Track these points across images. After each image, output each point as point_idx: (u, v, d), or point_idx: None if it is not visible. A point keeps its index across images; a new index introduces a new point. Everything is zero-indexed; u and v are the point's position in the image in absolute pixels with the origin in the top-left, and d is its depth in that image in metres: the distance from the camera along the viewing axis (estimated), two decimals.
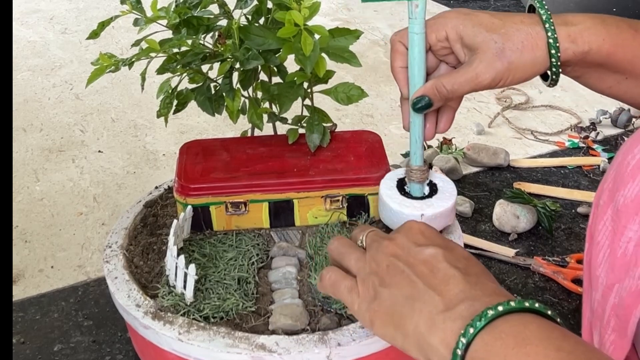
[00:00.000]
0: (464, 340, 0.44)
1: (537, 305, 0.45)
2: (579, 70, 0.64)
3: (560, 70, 0.62)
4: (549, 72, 0.63)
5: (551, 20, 0.60)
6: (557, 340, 0.42)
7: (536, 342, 0.42)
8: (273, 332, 0.65)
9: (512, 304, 0.45)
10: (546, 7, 0.61)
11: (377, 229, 0.59)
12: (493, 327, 0.44)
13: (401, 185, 0.74)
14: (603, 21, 0.61)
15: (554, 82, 0.63)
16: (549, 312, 0.45)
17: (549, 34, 0.60)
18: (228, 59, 0.76)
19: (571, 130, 1.46)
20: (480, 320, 0.44)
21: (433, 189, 0.74)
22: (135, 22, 0.77)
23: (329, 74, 0.79)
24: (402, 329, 0.49)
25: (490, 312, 0.44)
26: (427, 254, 0.52)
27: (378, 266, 0.53)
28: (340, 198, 0.78)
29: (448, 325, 0.46)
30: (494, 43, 0.60)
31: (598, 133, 1.42)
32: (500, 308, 0.44)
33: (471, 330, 0.44)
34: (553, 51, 0.60)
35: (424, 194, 0.73)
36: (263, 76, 0.82)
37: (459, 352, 0.44)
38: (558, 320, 0.45)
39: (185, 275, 0.67)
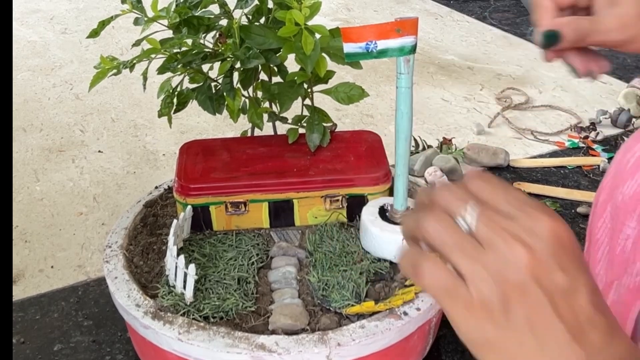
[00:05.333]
0: None
1: None
2: None
3: None
4: None
5: None
6: None
7: None
8: (273, 332, 0.65)
9: None
10: None
11: (485, 198, 0.39)
12: None
13: (383, 211, 0.75)
14: None
15: None
16: None
17: None
18: (228, 59, 0.76)
19: (571, 130, 1.46)
20: None
21: None
22: (136, 22, 0.77)
23: (330, 73, 0.79)
24: None
25: None
26: (566, 283, 0.37)
27: (509, 285, 0.37)
28: (340, 198, 0.78)
29: None
30: (637, 2, 0.56)
31: (598, 133, 1.42)
32: None
33: None
34: None
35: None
36: (263, 76, 0.82)
37: None
38: None
39: (185, 275, 0.67)
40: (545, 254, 0.36)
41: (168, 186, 0.87)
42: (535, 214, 0.37)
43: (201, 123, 1.54)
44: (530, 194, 1.18)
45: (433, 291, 0.39)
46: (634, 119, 1.46)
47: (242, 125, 0.91)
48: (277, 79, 0.81)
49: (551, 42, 0.59)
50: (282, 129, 0.85)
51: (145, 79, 0.77)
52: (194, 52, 0.75)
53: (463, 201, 0.38)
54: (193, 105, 0.83)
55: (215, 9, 0.79)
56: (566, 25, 0.57)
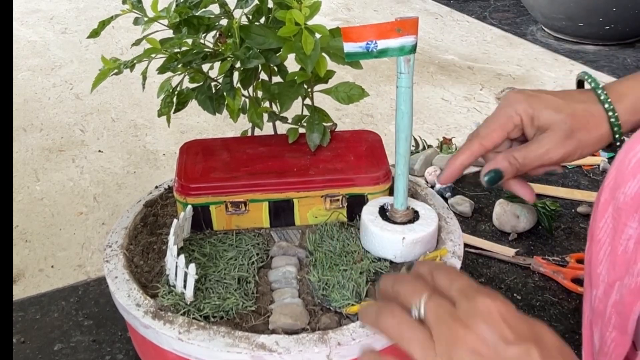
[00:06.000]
0: None
1: None
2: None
3: (623, 139, 0.65)
4: (612, 142, 0.66)
5: (609, 100, 0.64)
6: None
7: None
8: (273, 332, 0.65)
9: None
10: (600, 85, 0.65)
11: (437, 295, 0.45)
12: None
13: (383, 211, 0.75)
14: None
15: (618, 149, 0.66)
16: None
17: (610, 113, 0.64)
18: (229, 58, 0.76)
19: None
20: None
21: (415, 215, 0.75)
22: (136, 22, 0.77)
23: (330, 73, 0.79)
24: None
25: None
26: (518, 356, 0.41)
27: None
28: (340, 197, 0.78)
29: None
30: (564, 124, 0.63)
31: None
32: None
33: None
34: (616, 128, 0.64)
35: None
36: (263, 75, 0.82)
37: None
38: None
39: (186, 274, 0.67)
40: (486, 332, 0.41)
41: (168, 186, 0.87)
42: (474, 297, 0.43)
43: (201, 123, 1.54)
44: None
45: None
46: None
47: (242, 125, 0.91)
48: (277, 79, 0.81)
49: (493, 183, 0.66)
50: (282, 128, 0.85)
51: (144, 78, 0.77)
52: (194, 52, 0.75)
53: (417, 293, 0.45)
54: (193, 105, 0.83)
55: (215, 8, 0.79)
56: (501, 164, 0.64)
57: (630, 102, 0.64)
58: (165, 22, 0.76)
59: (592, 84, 0.66)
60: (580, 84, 0.71)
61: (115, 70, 0.74)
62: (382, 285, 0.48)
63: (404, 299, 0.46)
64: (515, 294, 0.98)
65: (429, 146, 1.35)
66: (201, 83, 0.81)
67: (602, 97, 0.64)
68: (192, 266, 0.66)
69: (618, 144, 0.65)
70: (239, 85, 0.80)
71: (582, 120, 0.63)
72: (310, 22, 0.72)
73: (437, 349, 0.42)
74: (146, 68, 0.77)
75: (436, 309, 0.43)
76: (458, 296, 0.44)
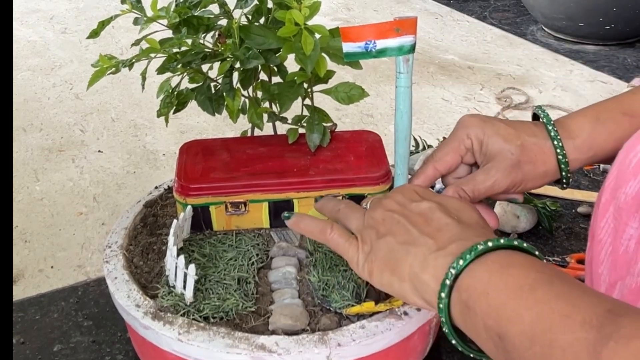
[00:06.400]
0: (453, 271, 0.48)
1: (525, 245, 0.49)
2: (588, 165, 0.70)
3: (569, 177, 0.66)
4: (560, 178, 0.67)
5: (559, 137, 0.65)
6: (539, 266, 0.46)
7: (518, 266, 0.46)
8: (273, 332, 0.65)
9: (501, 241, 0.48)
10: (552, 122, 0.66)
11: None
12: (481, 259, 0.48)
13: None
14: (598, 120, 0.65)
15: (566, 186, 0.68)
16: (536, 253, 0.49)
17: (558, 150, 0.65)
18: (228, 59, 0.76)
19: None
20: (470, 254, 0.48)
21: None
22: (135, 22, 0.77)
23: (329, 73, 0.79)
24: (398, 274, 0.53)
25: (480, 247, 0.48)
26: (422, 207, 0.55)
27: (375, 220, 0.57)
28: (340, 198, 0.78)
29: (439, 262, 0.50)
30: (511, 154, 0.64)
31: None
32: (489, 244, 0.48)
33: (461, 262, 0.48)
34: (563, 166, 0.65)
35: None
36: (263, 76, 0.82)
37: (448, 282, 0.48)
38: (543, 259, 0.48)
39: (185, 275, 0.67)
40: (399, 197, 0.58)
41: (168, 186, 0.87)
42: (403, 185, 0.62)
43: (201, 123, 1.54)
44: (530, 193, 1.18)
45: (331, 244, 0.60)
46: None
47: (242, 125, 0.91)
48: (277, 79, 0.81)
49: None
50: (282, 128, 0.85)
51: (144, 78, 0.77)
52: (194, 52, 0.75)
53: (369, 199, 0.63)
54: (193, 105, 0.82)
55: (215, 8, 0.79)
56: (449, 194, 0.67)
57: (580, 140, 0.65)
58: (165, 22, 0.76)
59: (545, 119, 0.66)
60: (535, 117, 0.71)
61: (113, 69, 0.74)
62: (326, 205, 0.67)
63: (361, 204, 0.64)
64: None
65: (429, 146, 1.35)
66: (201, 83, 0.81)
67: (552, 134, 0.65)
68: (192, 267, 0.66)
69: (565, 183, 0.66)
70: (238, 85, 0.80)
71: (530, 153, 0.65)
72: (310, 22, 0.72)
73: (365, 217, 0.59)
74: (145, 68, 0.77)
75: (375, 199, 0.61)
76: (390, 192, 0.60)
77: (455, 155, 0.67)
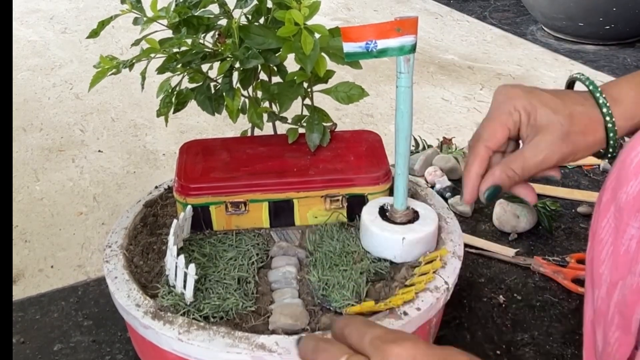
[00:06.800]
0: None
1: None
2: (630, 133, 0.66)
3: (617, 146, 0.63)
4: (605, 150, 0.64)
5: (608, 105, 0.62)
6: None
7: None
8: (273, 332, 0.65)
9: None
10: (599, 89, 0.63)
11: (352, 354, 0.47)
12: None
13: (383, 211, 0.75)
14: None
15: (612, 158, 0.65)
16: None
17: (607, 118, 0.62)
18: (228, 59, 0.76)
19: None
20: None
21: (415, 215, 0.75)
22: (135, 22, 0.77)
23: (329, 73, 0.79)
24: None
25: None
26: None
27: None
28: (340, 198, 0.78)
29: None
30: (560, 125, 0.61)
31: None
32: None
33: None
34: (611, 134, 0.62)
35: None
36: (263, 75, 0.82)
37: None
38: None
39: (185, 275, 0.67)
40: None
41: (168, 186, 0.87)
42: (385, 348, 0.44)
43: (201, 123, 1.54)
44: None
45: None
46: None
47: (242, 125, 0.91)
48: (276, 79, 0.81)
49: (494, 197, 0.65)
50: (282, 128, 0.85)
51: (143, 78, 0.77)
52: (194, 52, 0.75)
53: (336, 356, 0.46)
54: (193, 105, 0.83)
55: (214, 8, 0.79)
56: (500, 179, 0.63)
57: (626, 107, 0.62)
58: (165, 22, 0.76)
59: (591, 87, 0.63)
60: (571, 84, 0.69)
61: (114, 70, 0.74)
62: (301, 351, 0.49)
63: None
64: (515, 294, 0.98)
65: (429, 146, 1.35)
66: (200, 83, 0.81)
67: (600, 101, 0.62)
68: (192, 266, 0.66)
69: (611, 150, 0.64)
70: (238, 85, 0.80)
71: (580, 123, 0.62)
72: (309, 22, 0.72)
73: None
74: (145, 68, 0.77)
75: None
76: (370, 349, 0.45)
77: (504, 131, 0.63)
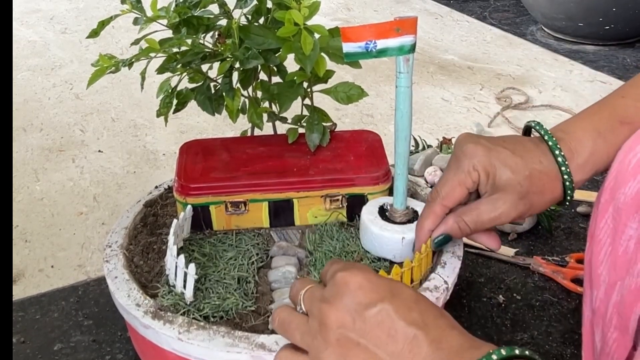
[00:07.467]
0: None
1: (527, 352, 0.43)
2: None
3: (572, 198, 0.64)
4: (562, 202, 0.65)
5: (566, 163, 0.62)
6: None
7: None
8: (273, 332, 0.65)
9: (502, 352, 0.43)
10: (558, 145, 0.63)
11: (314, 284, 0.52)
12: None
13: (382, 211, 0.75)
14: (599, 135, 0.63)
15: (567, 205, 0.66)
16: (536, 357, 0.43)
17: (565, 177, 0.63)
18: (228, 59, 0.76)
19: None
20: None
21: (415, 215, 0.75)
22: (135, 22, 0.77)
23: (329, 73, 0.79)
24: None
25: None
26: (377, 315, 0.46)
27: (328, 343, 0.47)
28: (340, 197, 0.78)
29: None
30: (520, 186, 0.62)
31: None
32: None
33: None
34: (569, 191, 0.63)
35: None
36: (263, 76, 0.82)
37: None
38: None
39: (185, 274, 0.67)
40: (345, 303, 0.47)
41: (168, 186, 0.87)
42: (335, 275, 0.49)
43: (201, 123, 1.54)
44: None
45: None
46: None
47: (242, 125, 0.91)
48: (276, 79, 0.81)
49: (443, 244, 0.67)
50: (282, 128, 0.85)
51: (143, 79, 0.77)
52: (194, 52, 0.75)
53: (298, 290, 0.52)
54: (193, 105, 0.83)
55: (214, 8, 0.79)
56: (451, 229, 0.64)
57: (583, 159, 0.63)
58: (165, 22, 0.76)
59: (550, 142, 0.63)
60: (527, 131, 0.69)
61: (113, 68, 0.74)
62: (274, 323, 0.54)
63: (292, 299, 0.54)
64: (514, 294, 0.98)
65: (429, 146, 1.35)
66: (200, 83, 0.81)
67: (559, 159, 0.62)
68: (192, 266, 0.66)
69: (567, 203, 0.64)
70: (238, 85, 0.80)
71: (539, 183, 0.62)
72: (309, 22, 0.72)
73: (312, 331, 0.49)
74: (145, 68, 0.77)
75: (308, 297, 0.51)
76: (328, 278, 0.50)
77: (463, 189, 0.64)
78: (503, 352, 0.42)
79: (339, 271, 0.49)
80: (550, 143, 0.63)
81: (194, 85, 0.82)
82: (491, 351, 0.42)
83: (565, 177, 0.62)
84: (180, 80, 0.81)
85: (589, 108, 0.66)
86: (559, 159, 0.63)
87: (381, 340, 0.45)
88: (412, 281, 0.68)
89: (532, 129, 0.68)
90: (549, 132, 0.64)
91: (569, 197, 0.64)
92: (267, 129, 0.85)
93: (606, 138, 0.63)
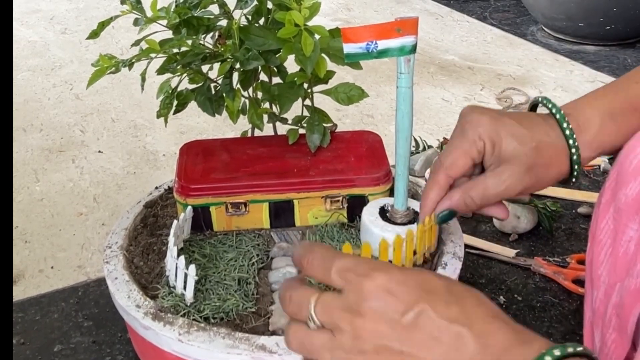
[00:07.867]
0: None
1: (582, 348, 0.40)
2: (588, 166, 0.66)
3: (579, 175, 0.63)
4: (568, 178, 0.64)
5: (574, 136, 0.61)
6: None
7: None
8: (273, 333, 0.65)
9: (556, 353, 0.39)
10: (566, 118, 0.61)
11: (316, 290, 0.46)
12: None
13: (383, 211, 0.75)
14: (610, 115, 0.61)
15: (573, 183, 0.64)
16: (594, 356, 0.41)
17: (573, 150, 0.61)
18: (228, 60, 0.76)
19: None
20: None
21: (415, 216, 0.74)
22: (135, 22, 0.77)
23: (329, 74, 0.79)
24: None
25: None
26: (417, 319, 0.42)
27: (366, 356, 0.43)
28: (340, 198, 0.78)
29: None
30: (526, 158, 0.60)
31: None
32: None
33: None
34: (576, 166, 0.62)
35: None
36: (263, 76, 0.82)
37: None
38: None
39: (186, 275, 0.67)
40: (376, 309, 0.42)
41: (168, 186, 0.87)
42: (357, 281, 0.43)
43: (201, 123, 1.54)
44: (531, 194, 1.18)
45: None
46: None
47: (242, 125, 0.91)
48: (277, 80, 0.81)
49: (448, 220, 0.65)
50: (282, 129, 0.85)
51: (143, 79, 0.77)
52: (194, 52, 0.75)
53: (304, 304, 0.45)
54: (193, 105, 0.82)
55: (215, 9, 0.79)
56: (457, 204, 0.62)
57: (591, 135, 0.61)
58: (165, 22, 0.76)
59: (557, 115, 0.62)
60: (534, 107, 0.67)
61: (113, 69, 0.74)
62: (280, 296, 0.48)
63: (296, 315, 0.46)
64: (515, 295, 0.98)
65: (430, 147, 1.35)
66: (200, 84, 0.81)
67: (567, 133, 0.61)
68: (192, 267, 0.66)
69: (574, 179, 0.63)
70: (238, 86, 0.80)
71: (545, 155, 0.61)
72: (309, 23, 0.72)
73: (345, 347, 0.43)
74: (145, 69, 0.77)
75: (326, 312, 0.44)
76: (341, 283, 0.44)
77: (467, 160, 0.61)
78: (557, 352, 0.39)
79: (355, 275, 0.44)
80: (558, 116, 0.62)
81: (194, 86, 0.82)
82: (544, 351, 0.40)
83: (573, 150, 0.61)
84: (180, 81, 0.81)
85: (600, 89, 0.64)
86: (567, 132, 0.61)
87: (425, 344, 0.42)
88: (415, 253, 0.67)
89: (539, 105, 0.66)
90: (559, 108, 0.63)
91: (575, 172, 0.62)
92: (268, 130, 0.85)
93: (616, 120, 0.61)
